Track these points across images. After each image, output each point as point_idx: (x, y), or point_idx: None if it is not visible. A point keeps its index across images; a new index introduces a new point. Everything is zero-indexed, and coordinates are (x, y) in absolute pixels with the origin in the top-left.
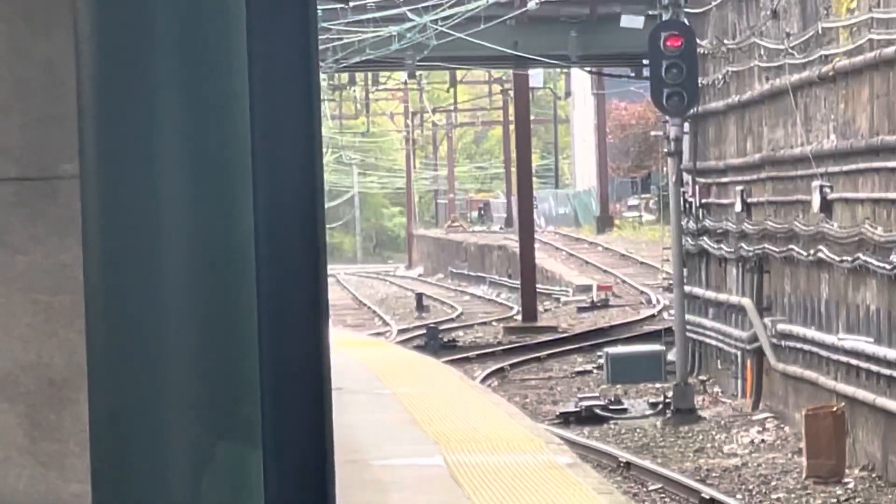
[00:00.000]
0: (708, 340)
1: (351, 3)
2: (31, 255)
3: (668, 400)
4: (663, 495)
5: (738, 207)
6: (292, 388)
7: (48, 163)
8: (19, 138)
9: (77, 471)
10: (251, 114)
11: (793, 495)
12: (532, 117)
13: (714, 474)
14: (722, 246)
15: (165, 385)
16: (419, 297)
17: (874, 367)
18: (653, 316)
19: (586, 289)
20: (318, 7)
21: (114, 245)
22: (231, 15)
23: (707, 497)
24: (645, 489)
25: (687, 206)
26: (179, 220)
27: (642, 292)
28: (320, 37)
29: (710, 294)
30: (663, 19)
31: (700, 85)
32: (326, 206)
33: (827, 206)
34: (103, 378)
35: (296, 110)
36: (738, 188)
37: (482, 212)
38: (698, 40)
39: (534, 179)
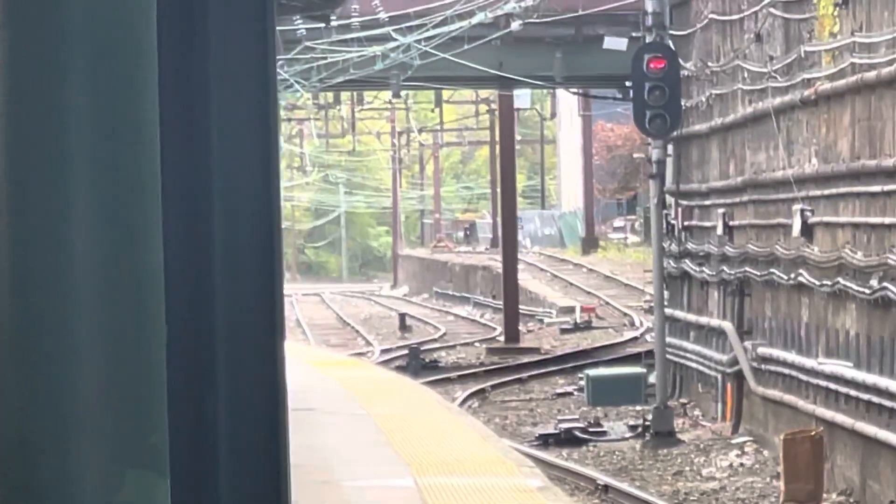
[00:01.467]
0: (689, 363)
1: (335, 23)
2: None
3: (647, 422)
4: None
5: (720, 230)
6: (249, 409)
7: None
8: None
9: None
10: (211, 129)
11: None
12: (519, 138)
13: (692, 498)
14: (704, 269)
15: (73, 413)
16: (402, 317)
17: (853, 392)
18: (636, 338)
19: (570, 310)
20: (303, 26)
21: (21, 272)
22: (142, 41)
23: None
24: None
25: (669, 228)
26: (88, 248)
27: (625, 314)
28: (304, 56)
29: (692, 317)
30: (647, 41)
31: (683, 107)
32: (313, 224)
33: (808, 230)
34: (11, 405)
35: (253, 130)
36: (721, 211)
37: (468, 232)
38: (683, 62)
39: (520, 200)
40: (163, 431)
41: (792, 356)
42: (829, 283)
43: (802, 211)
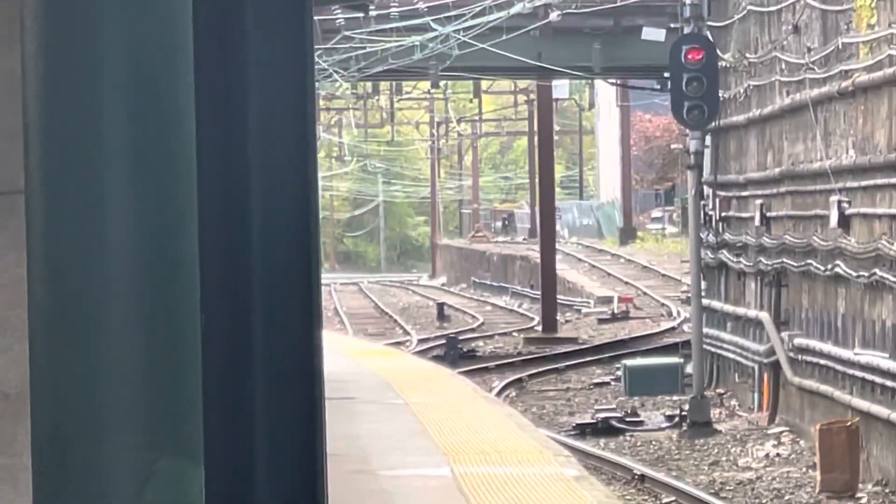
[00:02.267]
0: (725, 353)
1: (373, 13)
2: None
3: (684, 412)
4: None
5: (757, 221)
6: (285, 398)
7: (9, 177)
8: None
9: (29, 485)
10: (248, 119)
11: None
12: (557, 128)
13: (728, 488)
14: (741, 259)
15: (108, 402)
16: (440, 306)
17: (889, 383)
18: (673, 328)
19: (607, 300)
20: (342, 16)
21: (57, 261)
22: (178, 31)
23: None
24: (658, 502)
25: (707, 219)
26: (123, 238)
27: (663, 304)
28: (343, 45)
29: (729, 307)
30: (685, 32)
31: (721, 98)
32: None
33: (845, 221)
34: (46, 394)
35: (291, 117)
36: (758, 202)
37: (506, 222)
38: (720, 53)
39: (558, 190)
40: (197, 420)
41: (828, 347)
42: (865, 274)
43: (839, 202)
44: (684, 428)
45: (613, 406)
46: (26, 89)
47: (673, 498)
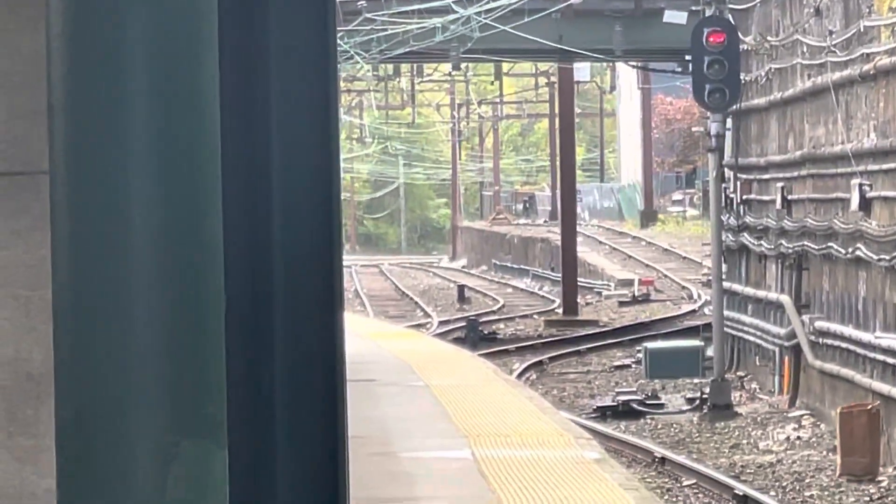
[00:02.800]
0: (746, 336)
1: None
2: (12, 249)
3: (704, 395)
4: (697, 491)
5: (778, 204)
6: (306, 380)
7: (33, 157)
8: (4, 132)
9: (52, 466)
10: (270, 101)
11: (826, 493)
12: (578, 111)
13: (749, 471)
14: (762, 242)
15: (131, 382)
16: (461, 288)
17: None
18: (693, 311)
19: (628, 283)
20: None
21: (81, 242)
22: (202, 12)
23: (740, 493)
24: (679, 484)
25: (728, 202)
26: (147, 219)
27: (684, 287)
28: (364, 27)
29: (750, 290)
30: (706, 15)
31: (742, 81)
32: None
33: (866, 204)
34: (69, 375)
35: (313, 101)
36: (779, 185)
37: (527, 204)
38: (742, 36)
39: (579, 173)
40: (221, 402)
41: (849, 330)
42: (886, 257)
43: (860, 185)
44: (705, 411)
45: (634, 389)
46: (51, 70)
47: (693, 481)
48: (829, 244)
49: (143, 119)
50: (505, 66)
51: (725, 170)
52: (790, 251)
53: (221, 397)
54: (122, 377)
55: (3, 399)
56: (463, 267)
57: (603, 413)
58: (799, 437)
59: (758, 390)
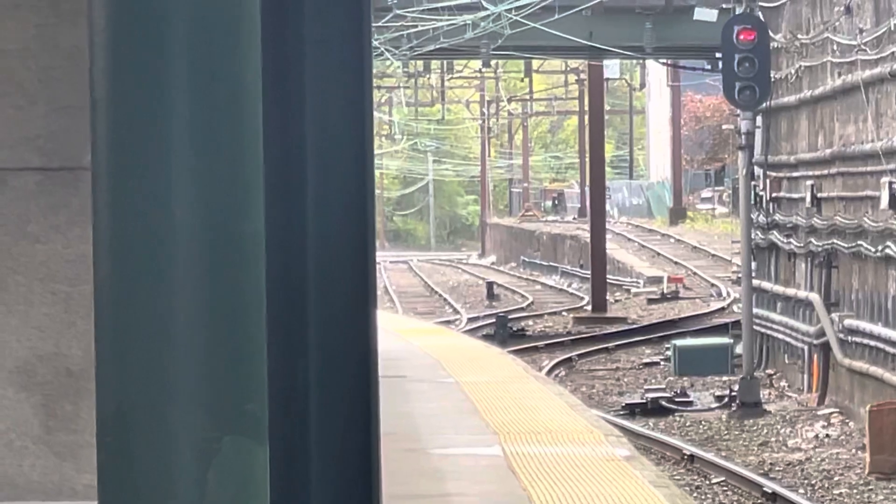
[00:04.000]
0: (775, 334)
1: None
2: (51, 244)
3: (733, 393)
4: (726, 488)
5: (808, 202)
6: (340, 377)
7: (72, 153)
8: (43, 127)
9: (91, 462)
10: (305, 97)
11: (855, 491)
12: (607, 108)
13: (777, 468)
14: (791, 240)
15: (172, 379)
16: (490, 285)
17: None
18: (722, 309)
19: (657, 280)
20: None
21: (123, 238)
22: (245, 8)
23: (769, 491)
24: (708, 482)
25: (757, 199)
26: (189, 214)
27: (713, 285)
28: (395, 24)
29: (779, 288)
30: (737, 13)
31: (773, 79)
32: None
33: None
34: (110, 371)
35: (348, 95)
36: (809, 183)
37: (556, 201)
38: (772, 34)
39: (608, 170)
40: (262, 398)
41: (878, 328)
42: None
43: (891, 183)
44: (734, 408)
45: (663, 386)
46: (94, 64)
47: (722, 478)
48: (859, 242)
49: (185, 114)
50: (535, 63)
51: (755, 167)
52: (819, 249)
53: (262, 394)
54: (163, 374)
55: (43, 394)
56: (492, 264)
57: (632, 410)
58: (828, 435)
59: (787, 388)
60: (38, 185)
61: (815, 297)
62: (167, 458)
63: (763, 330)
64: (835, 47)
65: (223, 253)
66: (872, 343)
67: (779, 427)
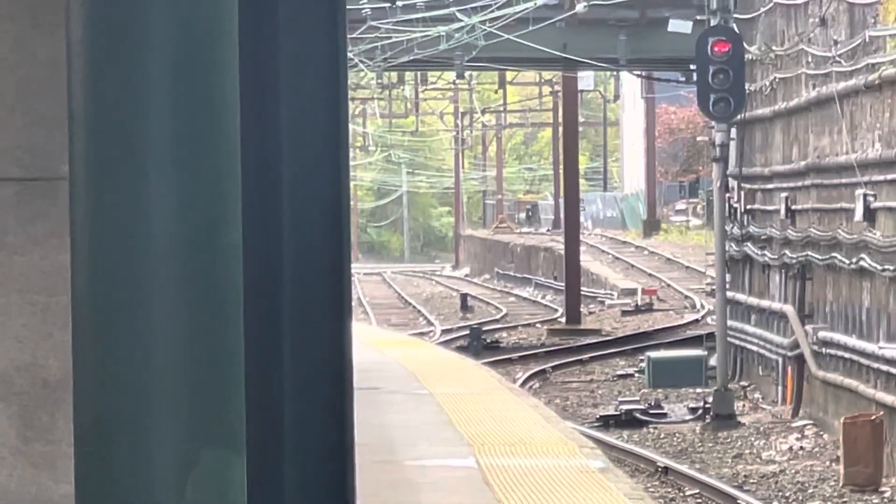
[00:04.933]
0: (749, 346)
1: (400, 3)
2: (29, 255)
3: (708, 405)
4: (700, 501)
5: (782, 214)
6: (314, 388)
7: (50, 164)
8: (21, 138)
9: (69, 472)
10: (280, 109)
11: (829, 503)
12: (582, 120)
13: (752, 481)
14: (766, 252)
15: (150, 390)
16: (464, 297)
17: None
18: (696, 321)
19: (631, 292)
20: (368, 6)
21: (101, 249)
22: (223, 22)
23: (744, 503)
24: (682, 494)
25: (732, 211)
26: (167, 227)
27: (687, 297)
28: (369, 35)
29: (753, 300)
30: (711, 24)
31: (747, 91)
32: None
33: (870, 214)
34: (88, 382)
35: (323, 107)
36: (783, 195)
37: (530, 213)
38: (746, 46)
39: (582, 182)
40: (240, 409)
41: (853, 340)
42: (891, 267)
43: (865, 195)
44: (708, 420)
45: (637, 398)
46: (71, 76)
47: (696, 490)
48: (833, 254)
49: (163, 126)
50: (509, 75)
51: (729, 179)
52: (794, 261)
53: (240, 405)
54: (142, 385)
55: (20, 405)
56: (466, 275)
57: (606, 422)
58: (802, 448)
59: (761, 400)
60: (17, 196)
61: (789, 309)
62: (146, 468)
63: (737, 342)
64: (809, 59)
65: (201, 265)
66: (846, 355)
67: (753, 439)
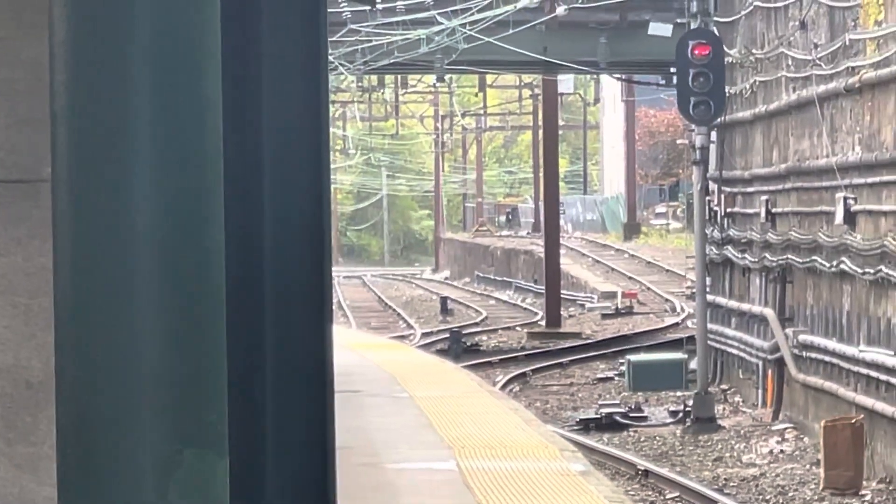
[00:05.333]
0: (730, 350)
1: (380, 6)
2: (11, 257)
3: (688, 408)
4: None
5: (762, 217)
6: (296, 391)
7: (32, 165)
8: (4, 140)
9: (51, 474)
10: (262, 112)
11: None
12: (562, 123)
13: (732, 484)
14: (746, 255)
15: (133, 391)
16: (444, 300)
17: (894, 380)
18: (677, 324)
19: (611, 295)
20: (348, 9)
21: (83, 251)
22: (205, 23)
23: None
24: (662, 497)
25: (712, 214)
26: (149, 227)
27: (667, 300)
28: (349, 38)
29: (733, 303)
30: (692, 28)
31: (727, 94)
32: (355, 207)
33: (850, 217)
34: (71, 383)
35: (304, 109)
36: (763, 198)
37: (510, 216)
38: (727, 49)
39: (562, 185)
40: (222, 411)
41: (833, 344)
42: (871, 271)
43: (845, 199)
44: (688, 424)
45: (617, 401)
46: (54, 78)
47: (677, 494)
48: (814, 257)
49: (146, 127)
50: (489, 78)
51: (709, 182)
52: (774, 264)
53: (223, 407)
54: (124, 386)
55: (2, 406)
56: (446, 279)
57: (586, 425)
58: (782, 451)
59: (741, 403)
60: None
61: (769, 313)
62: (128, 470)
63: (717, 345)
64: (790, 62)
65: (184, 265)
66: (827, 358)
67: (733, 442)
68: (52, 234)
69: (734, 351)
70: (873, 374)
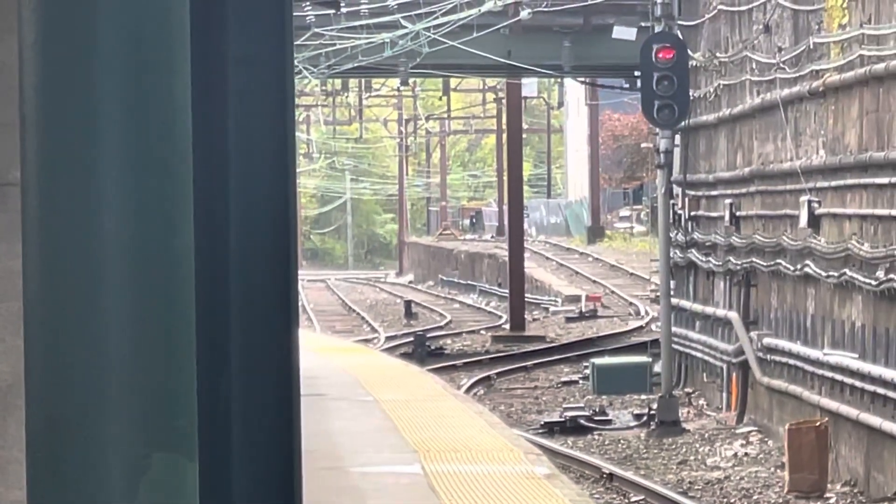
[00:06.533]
0: (694, 353)
1: (344, 10)
2: None
3: (652, 412)
4: None
5: (726, 221)
6: (262, 394)
7: (0, 169)
8: None
9: (20, 477)
10: (228, 115)
11: None
12: (525, 126)
13: (696, 487)
14: (710, 259)
15: (102, 395)
16: (408, 304)
17: (858, 383)
18: (641, 327)
19: (575, 299)
20: (312, 13)
21: (53, 254)
22: (174, 26)
23: None
24: (627, 500)
25: (676, 218)
26: (118, 231)
27: (631, 303)
28: (313, 42)
29: (698, 307)
30: (656, 31)
31: (691, 98)
32: (319, 211)
33: (815, 221)
34: (40, 387)
35: (270, 113)
36: (728, 201)
37: (474, 220)
38: (691, 53)
39: (526, 188)
40: (192, 415)
41: (797, 347)
42: (835, 274)
43: (810, 202)
44: (652, 427)
45: (581, 405)
46: (23, 80)
47: (641, 497)
48: (778, 261)
49: (115, 131)
50: (453, 82)
51: (674, 186)
52: (738, 268)
53: (192, 410)
54: (94, 390)
55: None
56: (410, 282)
57: (550, 429)
58: (747, 454)
59: (705, 407)
60: None
61: (733, 316)
62: (98, 474)
63: (682, 348)
64: (754, 66)
65: (153, 268)
66: (791, 361)
67: (698, 445)
68: (20, 238)
69: (698, 354)
70: (837, 377)
